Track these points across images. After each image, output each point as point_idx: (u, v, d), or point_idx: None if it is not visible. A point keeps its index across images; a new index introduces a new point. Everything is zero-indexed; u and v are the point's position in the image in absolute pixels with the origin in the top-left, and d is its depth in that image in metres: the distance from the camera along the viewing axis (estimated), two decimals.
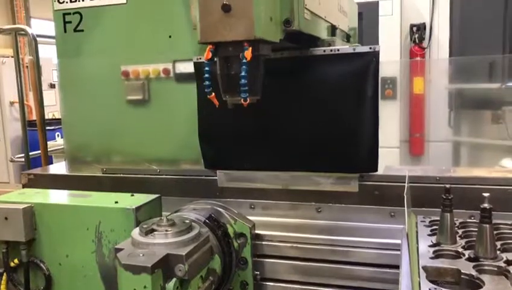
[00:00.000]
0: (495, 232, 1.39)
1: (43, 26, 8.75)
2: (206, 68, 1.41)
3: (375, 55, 1.75)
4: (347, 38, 2.57)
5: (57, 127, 6.42)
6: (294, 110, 1.87)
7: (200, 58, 1.97)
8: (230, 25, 1.34)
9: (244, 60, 1.35)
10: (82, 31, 2.54)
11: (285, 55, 1.80)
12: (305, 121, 1.87)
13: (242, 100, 1.41)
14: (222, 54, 1.42)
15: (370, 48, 1.75)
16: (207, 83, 1.42)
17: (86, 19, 2.53)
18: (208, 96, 1.45)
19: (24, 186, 2.36)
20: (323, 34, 1.93)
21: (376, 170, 1.87)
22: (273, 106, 1.65)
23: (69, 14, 2.56)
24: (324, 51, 1.81)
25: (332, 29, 2.07)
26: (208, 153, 2.05)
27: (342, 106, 1.82)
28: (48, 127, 6.16)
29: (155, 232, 1.52)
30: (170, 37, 2.39)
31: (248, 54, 1.35)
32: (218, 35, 1.36)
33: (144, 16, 2.43)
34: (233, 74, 1.43)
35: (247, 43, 1.36)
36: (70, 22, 2.56)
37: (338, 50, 1.80)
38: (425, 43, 5.37)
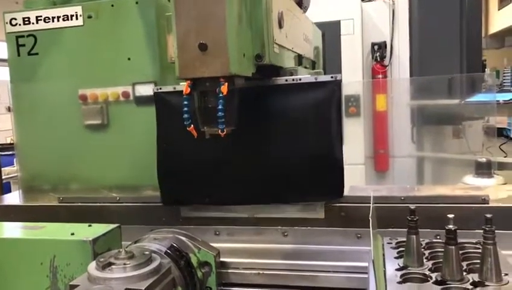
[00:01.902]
0: (461, 252, 1.39)
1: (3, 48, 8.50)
2: (185, 102, 1.47)
3: (337, 84, 1.72)
4: (312, 65, 2.58)
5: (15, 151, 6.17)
6: (257, 142, 1.83)
7: (160, 89, 1.92)
8: (207, 63, 1.42)
9: (220, 94, 1.42)
10: (37, 54, 2.46)
11: (248, 85, 1.77)
12: (268, 152, 1.83)
13: (219, 131, 1.48)
14: (200, 88, 1.49)
15: (332, 77, 1.73)
16: (186, 116, 1.48)
17: (40, 41, 2.45)
18: (188, 128, 1.50)
19: None
20: (291, 64, 1.94)
21: (342, 196, 1.85)
22: (235, 137, 1.60)
23: (23, 36, 2.47)
24: (286, 80, 1.77)
25: (299, 59, 2.10)
26: (167, 189, 1.97)
27: (306, 136, 1.78)
28: (6, 152, 5.94)
29: (113, 266, 1.43)
30: (129, 59, 2.34)
31: (224, 88, 1.41)
32: (196, 71, 1.44)
33: (101, 38, 2.37)
34: (211, 107, 1.50)
35: (223, 79, 1.42)
36: (24, 45, 2.47)
37: (300, 79, 1.76)
38: (386, 61, 5.49)
